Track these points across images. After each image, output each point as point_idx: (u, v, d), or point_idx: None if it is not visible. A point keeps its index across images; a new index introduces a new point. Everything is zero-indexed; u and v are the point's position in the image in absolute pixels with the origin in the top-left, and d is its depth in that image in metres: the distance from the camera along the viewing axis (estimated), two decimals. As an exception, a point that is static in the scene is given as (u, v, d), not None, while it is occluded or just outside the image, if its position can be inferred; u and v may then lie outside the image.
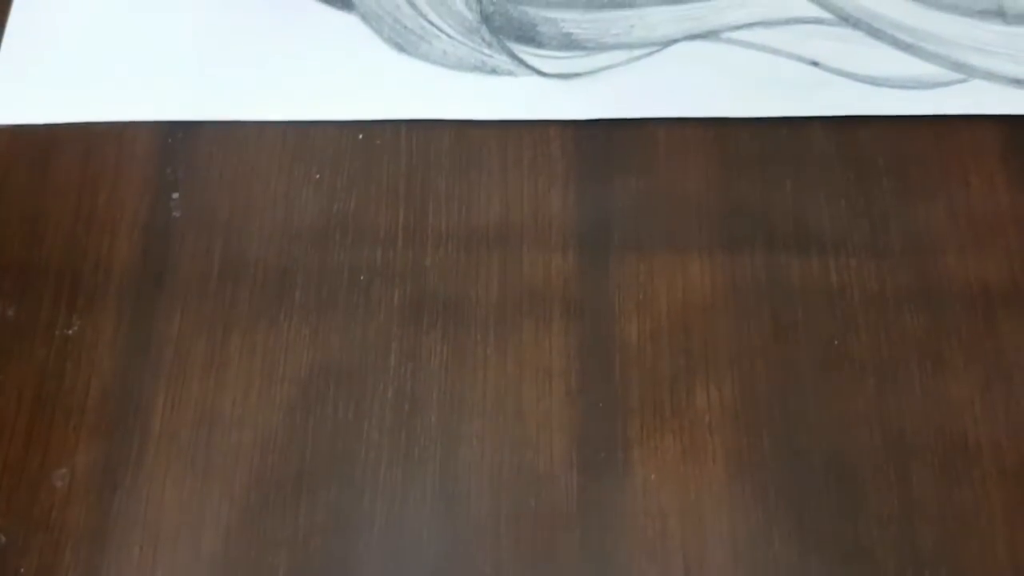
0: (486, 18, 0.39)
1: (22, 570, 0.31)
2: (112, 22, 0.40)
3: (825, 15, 0.38)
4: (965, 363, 0.34)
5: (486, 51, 0.39)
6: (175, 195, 0.37)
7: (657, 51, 0.38)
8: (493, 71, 0.39)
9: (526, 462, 0.33)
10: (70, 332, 0.35)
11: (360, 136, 0.38)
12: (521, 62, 0.39)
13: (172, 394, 0.33)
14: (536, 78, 0.38)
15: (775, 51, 0.38)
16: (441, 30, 0.39)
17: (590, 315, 0.35)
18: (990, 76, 0.37)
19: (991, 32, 0.38)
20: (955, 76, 0.37)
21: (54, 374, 0.34)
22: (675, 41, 0.39)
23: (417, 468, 0.33)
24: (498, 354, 0.34)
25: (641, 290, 0.35)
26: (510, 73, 0.39)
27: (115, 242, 0.36)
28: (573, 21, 0.39)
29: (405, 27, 0.39)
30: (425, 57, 0.39)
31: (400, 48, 0.39)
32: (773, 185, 0.37)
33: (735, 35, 0.38)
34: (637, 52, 0.39)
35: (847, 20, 0.38)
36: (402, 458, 0.33)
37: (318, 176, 0.37)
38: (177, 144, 0.38)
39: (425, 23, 0.39)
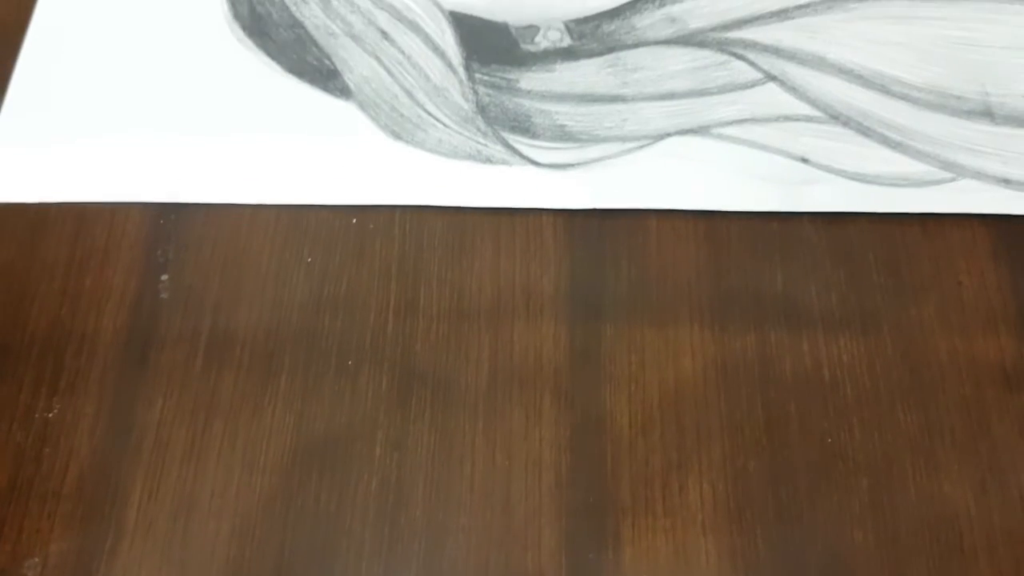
0: (482, 109, 0.40)
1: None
2: (107, 103, 0.40)
3: (815, 113, 0.39)
4: (959, 463, 0.33)
5: (481, 140, 0.39)
6: (164, 277, 0.36)
7: (649, 144, 0.39)
8: (488, 160, 0.39)
9: (514, 560, 0.32)
10: (50, 415, 0.34)
11: (354, 220, 0.38)
12: (515, 152, 0.39)
13: (150, 482, 0.33)
14: (530, 168, 0.39)
15: (765, 147, 0.38)
16: (437, 119, 0.40)
17: (581, 405, 0.34)
18: (979, 175, 0.38)
19: (979, 132, 0.39)
20: (944, 175, 0.38)
21: (31, 458, 0.33)
22: (667, 135, 0.39)
23: (400, 563, 0.32)
24: (487, 444, 0.34)
25: (632, 380, 0.35)
26: (504, 162, 0.39)
27: (100, 324, 0.36)
28: (567, 113, 0.40)
29: (402, 115, 0.40)
30: (421, 145, 0.39)
31: (396, 136, 0.39)
32: (764, 279, 0.37)
33: (726, 130, 0.39)
34: (630, 145, 0.39)
35: (837, 118, 0.39)
36: (385, 552, 0.32)
37: (310, 259, 0.37)
38: (169, 225, 0.38)
39: (422, 112, 0.40)
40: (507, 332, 0.36)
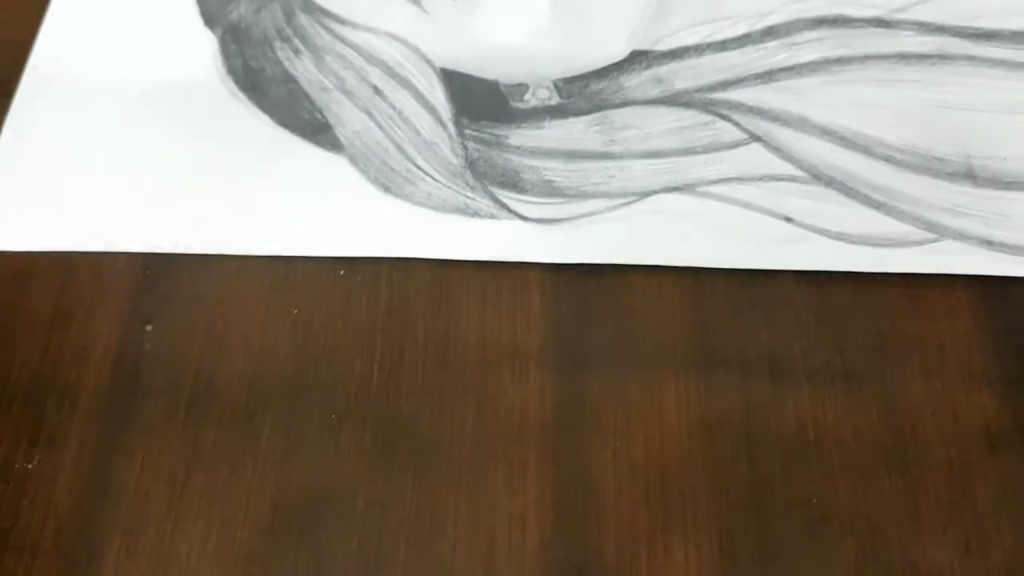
0: (471, 163, 0.40)
1: None
2: (96, 153, 0.40)
3: (799, 173, 0.39)
4: (944, 525, 0.33)
5: (470, 195, 0.40)
6: (148, 327, 0.36)
7: (636, 201, 0.39)
8: (476, 214, 0.39)
9: (495, 621, 0.31)
10: (30, 467, 0.34)
11: (341, 272, 0.38)
12: (503, 206, 0.39)
13: (128, 539, 0.32)
14: (518, 222, 0.39)
15: (749, 206, 0.39)
16: (427, 173, 0.40)
17: (566, 462, 0.34)
18: (962, 236, 0.38)
19: (962, 194, 0.39)
20: (927, 236, 0.38)
21: (9, 511, 0.33)
22: (653, 192, 0.39)
23: (380, 624, 0.31)
24: (470, 502, 0.33)
25: (618, 437, 0.35)
26: (492, 216, 0.39)
27: (83, 375, 0.35)
28: (555, 170, 0.40)
29: (392, 169, 0.40)
30: (410, 198, 0.40)
31: (386, 189, 0.40)
32: (749, 337, 0.37)
33: (711, 189, 0.39)
34: (616, 201, 0.39)
35: (820, 178, 0.39)
36: (365, 613, 0.31)
37: (296, 312, 0.37)
38: (155, 275, 0.38)
39: (411, 166, 0.40)
40: (492, 388, 0.36)
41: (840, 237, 0.38)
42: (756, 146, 0.40)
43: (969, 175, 0.39)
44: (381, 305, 0.37)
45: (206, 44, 0.43)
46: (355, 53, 0.42)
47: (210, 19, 0.43)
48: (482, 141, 0.41)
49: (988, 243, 0.38)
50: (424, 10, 0.43)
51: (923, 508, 0.33)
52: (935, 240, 0.38)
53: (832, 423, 0.35)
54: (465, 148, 0.41)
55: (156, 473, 0.33)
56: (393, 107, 0.41)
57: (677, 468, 0.34)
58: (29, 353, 0.36)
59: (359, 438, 0.34)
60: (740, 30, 0.43)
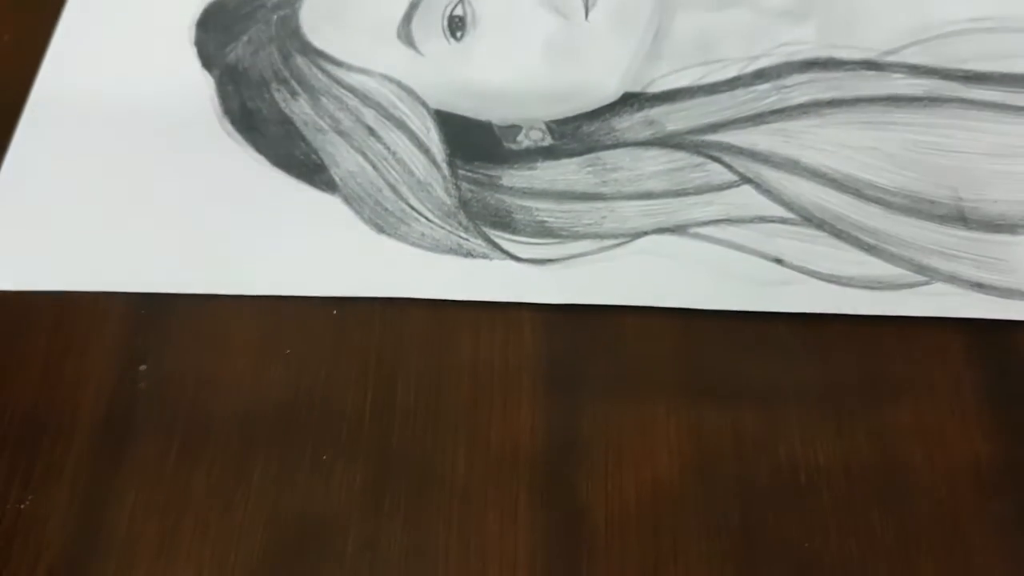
0: (464, 204, 0.41)
1: None
2: (92, 192, 0.41)
3: (789, 215, 0.40)
4: (935, 569, 0.33)
5: (463, 235, 0.40)
6: (142, 367, 0.37)
7: (627, 242, 0.40)
8: (469, 254, 0.40)
9: (483, 665, 0.31)
10: (22, 506, 0.34)
11: (334, 312, 0.38)
12: (496, 246, 0.40)
13: (118, 581, 0.32)
14: (510, 262, 0.39)
15: (740, 247, 0.39)
16: (420, 213, 0.40)
17: (557, 502, 0.34)
18: (953, 279, 0.38)
19: (953, 236, 0.39)
20: (918, 278, 0.38)
21: (2, 551, 0.33)
22: (645, 233, 0.40)
23: (368, 668, 0.31)
24: (461, 543, 0.33)
25: (609, 478, 0.35)
26: (485, 256, 0.39)
27: (77, 414, 0.36)
28: (547, 210, 0.40)
29: (386, 209, 0.40)
30: (403, 238, 0.40)
31: (380, 229, 0.40)
32: (740, 379, 0.37)
33: (702, 230, 0.40)
34: (608, 242, 0.40)
35: (811, 220, 0.40)
36: (353, 657, 0.31)
37: (288, 351, 0.37)
38: (151, 315, 0.38)
39: (405, 206, 0.40)
40: (483, 428, 0.36)
41: (831, 279, 0.38)
42: (747, 188, 0.40)
43: (960, 218, 0.40)
44: (374, 345, 0.38)
45: (203, 85, 0.43)
46: (350, 94, 0.43)
47: (208, 61, 0.44)
48: (475, 182, 0.41)
49: (979, 286, 0.38)
50: (419, 52, 0.43)
51: (914, 552, 0.33)
52: (926, 283, 0.38)
53: (824, 466, 0.35)
54: (459, 188, 0.41)
55: (148, 513, 0.34)
56: (388, 148, 0.42)
57: (669, 509, 0.34)
58: (23, 393, 0.36)
59: (350, 478, 0.35)
60: (731, 73, 0.43)
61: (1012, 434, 0.35)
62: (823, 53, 0.44)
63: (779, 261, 0.39)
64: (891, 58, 0.43)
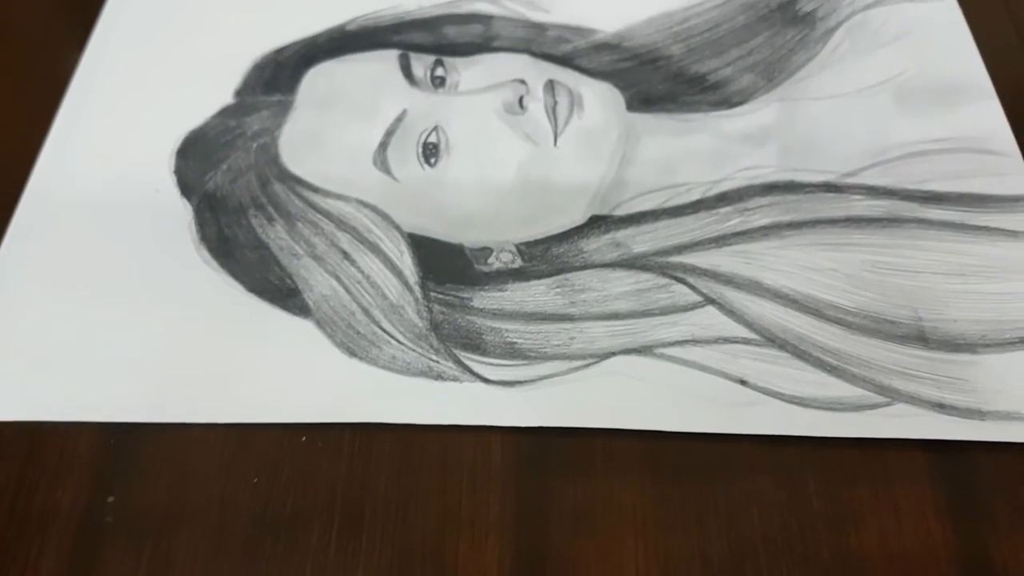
0: (435, 326, 0.41)
1: None
2: (64, 323, 0.41)
3: (752, 336, 0.40)
4: None
5: (433, 357, 0.40)
6: (111, 499, 0.37)
7: (595, 363, 0.40)
8: (439, 377, 0.40)
9: None
10: (-18, 643, 0.34)
11: (303, 438, 0.39)
12: (466, 368, 0.40)
13: None
14: (479, 385, 0.40)
15: (705, 368, 0.40)
16: (392, 336, 0.41)
17: (525, 633, 0.34)
18: (914, 400, 0.39)
19: (913, 356, 0.40)
20: (880, 399, 0.39)
21: None
22: (612, 354, 0.40)
23: None
24: None
25: (578, 605, 0.35)
26: (455, 379, 0.40)
27: (44, 547, 0.36)
28: (517, 331, 0.41)
29: (358, 333, 0.41)
30: (375, 362, 0.40)
31: (351, 353, 0.41)
32: (706, 502, 0.37)
33: (668, 351, 0.40)
34: (576, 363, 0.40)
35: (773, 341, 0.40)
36: None
37: (256, 480, 0.37)
38: (119, 445, 0.38)
39: (377, 329, 0.41)
40: (451, 557, 0.36)
41: (794, 400, 0.39)
42: (711, 309, 0.41)
43: (920, 337, 0.40)
44: (342, 471, 0.38)
45: (182, 213, 0.44)
46: (326, 219, 0.44)
47: (187, 189, 0.45)
48: (447, 303, 0.42)
49: (940, 407, 0.38)
50: (394, 178, 0.45)
51: None
52: (888, 404, 0.39)
53: (790, 592, 0.35)
54: (430, 311, 0.42)
55: (107, 651, 0.33)
56: (361, 271, 0.43)
57: (637, 638, 0.34)
58: (-8, 524, 0.36)
59: (314, 611, 0.34)
60: (694, 196, 0.44)
61: (977, 557, 0.35)
62: (783, 176, 0.45)
63: (743, 382, 0.39)
64: (850, 180, 0.45)
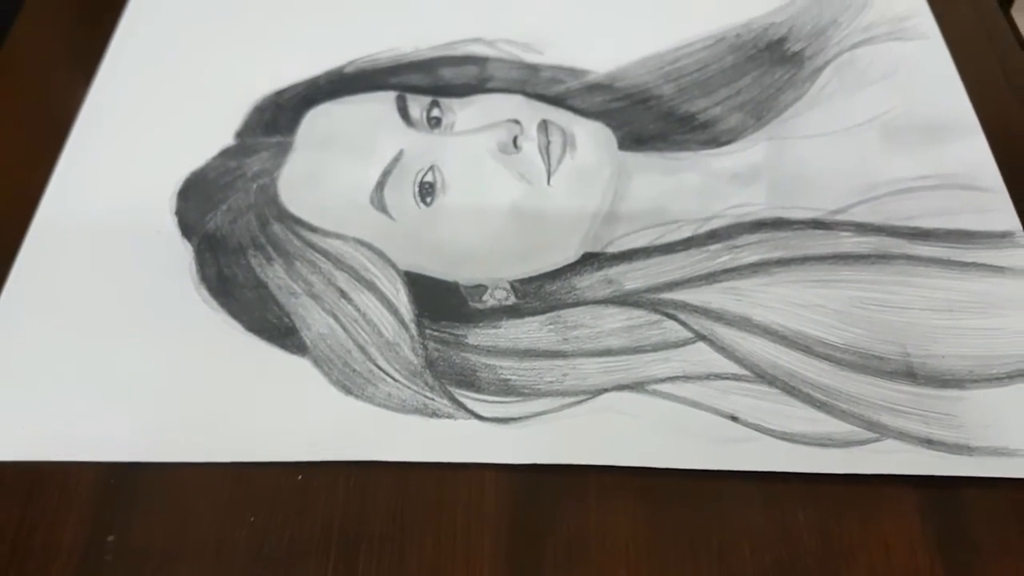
0: (430, 363, 0.42)
1: None
2: (66, 363, 0.42)
3: (743, 372, 0.41)
4: None
5: (428, 394, 0.41)
6: (110, 538, 0.37)
7: (588, 399, 0.41)
8: (434, 414, 0.41)
9: None
10: None
11: (299, 477, 0.39)
12: (461, 406, 0.41)
13: None
14: (474, 422, 0.40)
15: (697, 404, 0.40)
16: (388, 374, 0.42)
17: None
18: (902, 436, 0.39)
19: (902, 392, 0.40)
20: (868, 435, 0.39)
21: None
22: (605, 390, 0.41)
23: None
24: None
25: (573, 642, 0.35)
26: (450, 416, 0.40)
27: (44, 590, 0.36)
28: (511, 368, 0.42)
29: (354, 371, 0.42)
30: (370, 399, 0.41)
31: (347, 391, 0.41)
32: (699, 537, 0.37)
33: (660, 387, 0.41)
34: (569, 400, 0.41)
35: (763, 377, 0.41)
36: None
37: (253, 519, 0.38)
38: (119, 484, 0.39)
39: (373, 367, 0.42)
40: (446, 595, 0.36)
41: (784, 437, 0.39)
42: (701, 345, 0.42)
43: (908, 373, 0.41)
44: (337, 510, 0.38)
45: (183, 253, 0.45)
46: (324, 258, 0.45)
47: (187, 230, 0.46)
48: (442, 341, 0.43)
49: (929, 442, 0.39)
50: (391, 217, 0.46)
51: None
52: (877, 439, 0.39)
53: (781, 628, 0.35)
54: (425, 348, 0.42)
55: None
56: (358, 310, 0.43)
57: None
58: (-7, 564, 0.37)
59: (309, 650, 0.35)
60: (685, 233, 0.45)
61: (968, 593, 0.36)
62: (772, 214, 0.46)
63: (734, 418, 0.40)
64: (838, 217, 0.46)
